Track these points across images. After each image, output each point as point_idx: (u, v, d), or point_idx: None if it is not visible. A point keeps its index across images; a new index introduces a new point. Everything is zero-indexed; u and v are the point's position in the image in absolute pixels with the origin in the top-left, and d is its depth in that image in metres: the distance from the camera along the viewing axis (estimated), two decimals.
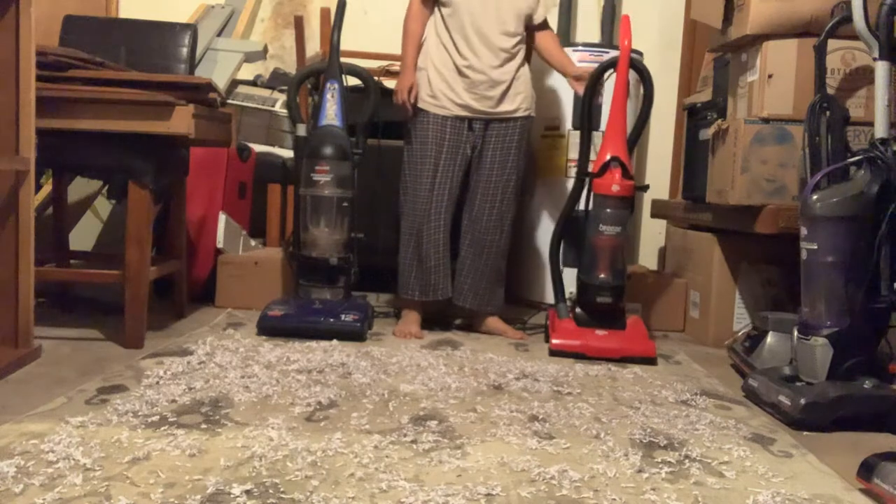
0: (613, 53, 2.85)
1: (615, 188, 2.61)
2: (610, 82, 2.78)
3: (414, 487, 1.38)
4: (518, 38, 2.74)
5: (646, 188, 2.83)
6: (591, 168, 2.73)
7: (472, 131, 2.75)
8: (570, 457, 1.59)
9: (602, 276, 2.62)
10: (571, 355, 2.52)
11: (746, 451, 1.69)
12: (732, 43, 2.70)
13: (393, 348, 2.48)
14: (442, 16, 2.72)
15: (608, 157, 2.63)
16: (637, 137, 2.82)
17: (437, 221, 2.74)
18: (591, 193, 2.69)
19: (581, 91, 2.77)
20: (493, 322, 2.87)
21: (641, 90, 2.82)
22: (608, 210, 2.62)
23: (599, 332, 2.59)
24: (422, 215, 2.73)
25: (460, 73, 2.70)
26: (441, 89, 2.71)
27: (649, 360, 2.51)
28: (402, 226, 2.81)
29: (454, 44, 2.70)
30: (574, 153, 3.13)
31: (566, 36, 3.72)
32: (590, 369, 2.36)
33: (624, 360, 2.50)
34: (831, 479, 1.57)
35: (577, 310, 2.68)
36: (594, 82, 2.76)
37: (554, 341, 2.57)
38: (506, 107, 2.74)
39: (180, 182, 2.78)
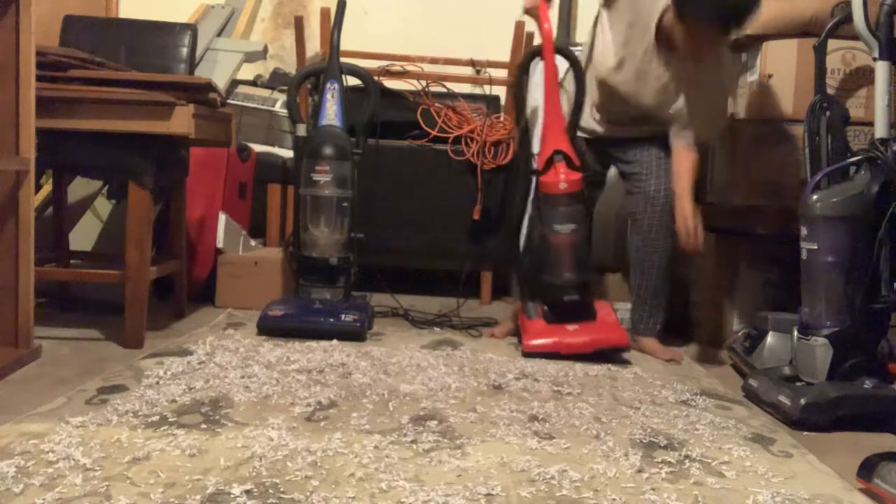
0: None
1: (562, 186, 2.49)
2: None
3: (414, 487, 1.38)
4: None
5: (595, 175, 2.71)
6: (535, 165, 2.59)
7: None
8: (570, 457, 1.59)
9: (567, 274, 2.52)
10: (545, 355, 2.45)
11: (746, 451, 1.69)
12: (732, 43, 2.70)
13: (393, 348, 2.48)
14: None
15: (551, 151, 2.51)
16: (576, 125, 2.66)
17: None
18: (539, 192, 2.56)
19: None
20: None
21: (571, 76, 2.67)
22: (560, 209, 2.50)
23: (570, 328, 2.51)
24: None
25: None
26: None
27: (622, 349, 2.48)
28: None
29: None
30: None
31: (567, 36, 3.72)
32: (590, 369, 2.36)
33: (598, 353, 2.44)
34: (831, 479, 1.57)
35: (545, 307, 2.58)
36: (522, 74, 2.66)
37: (527, 342, 2.49)
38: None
39: (180, 182, 2.78)
